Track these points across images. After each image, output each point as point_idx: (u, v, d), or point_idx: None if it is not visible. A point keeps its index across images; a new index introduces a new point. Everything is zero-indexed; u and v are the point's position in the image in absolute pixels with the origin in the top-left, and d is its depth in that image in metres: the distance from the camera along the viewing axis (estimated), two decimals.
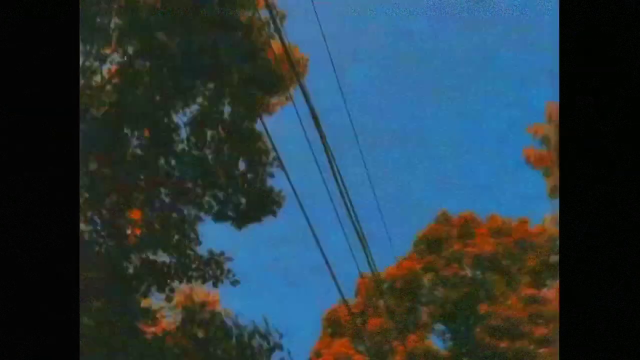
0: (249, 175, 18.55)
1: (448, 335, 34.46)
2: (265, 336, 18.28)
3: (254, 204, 18.76)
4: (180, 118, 17.78)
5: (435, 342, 34.60)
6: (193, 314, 18.09)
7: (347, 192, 16.45)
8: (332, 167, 15.75)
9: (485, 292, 33.49)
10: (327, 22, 15.99)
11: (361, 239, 18.52)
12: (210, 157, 18.20)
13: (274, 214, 19.13)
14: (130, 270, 17.33)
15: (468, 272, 34.46)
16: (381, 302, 33.77)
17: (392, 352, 33.26)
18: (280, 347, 18.41)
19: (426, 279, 34.55)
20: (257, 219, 19.21)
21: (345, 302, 28.48)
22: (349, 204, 16.95)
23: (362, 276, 31.72)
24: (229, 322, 18.57)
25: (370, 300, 34.40)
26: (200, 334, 18.00)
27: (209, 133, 18.13)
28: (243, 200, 18.76)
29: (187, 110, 17.93)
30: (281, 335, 18.45)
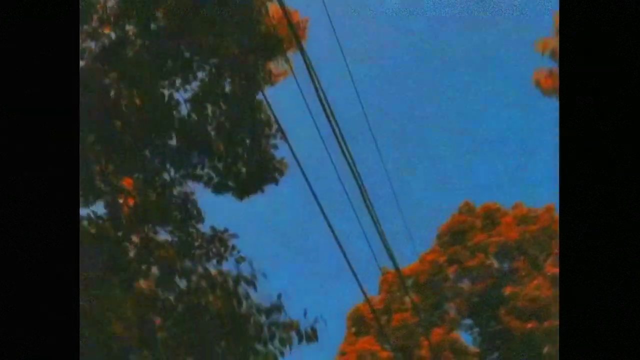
0: (249, 143, 18.31)
1: (476, 330, 34.32)
2: (251, 282, 17.85)
3: (255, 172, 18.48)
4: (181, 94, 17.69)
5: (462, 335, 34.46)
6: (173, 262, 17.66)
7: (356, 169, 16.50)
8: (338, 141, 15.76)
9: (512, 280, 33.31)
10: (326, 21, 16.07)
11: (379, 230, 18.59)
12: (212, 133, 18.08)
13: (275, 181, 18.85)
14: (131, 253, 17.12)
15: (494, 262, 34.30)
16: (403, 296, 33.66)
17: (417, 346, 33.19)
18: (280, 309, 18.04)
19: (450, 271, 34.41)
20: (258, 188, 18.90)
21: (367, 298, 28.39)
22: (362, 188, 17.04)
23: (383, 272, 31.77)
24: (211, 269, 18.12)
25: (394, 295, 34.34)
26: (182, 285, 17.61)
27: (210, 108, 18.01)
28: (243, 170, 18.50)
29: (188, 87, 17.84)
30: (279, 295, 18.07)
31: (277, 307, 17.81)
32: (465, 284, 34.25)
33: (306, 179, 15.73)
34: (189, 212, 18.12)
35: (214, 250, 18.16)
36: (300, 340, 17.82)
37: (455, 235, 34.73)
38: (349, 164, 16.32)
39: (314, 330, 17.70)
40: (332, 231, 16.72)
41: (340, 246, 17.09)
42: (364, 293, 23.79)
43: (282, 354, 17.90)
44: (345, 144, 15.97)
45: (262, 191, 18.98)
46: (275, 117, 17.67)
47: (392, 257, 21.61)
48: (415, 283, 33.94)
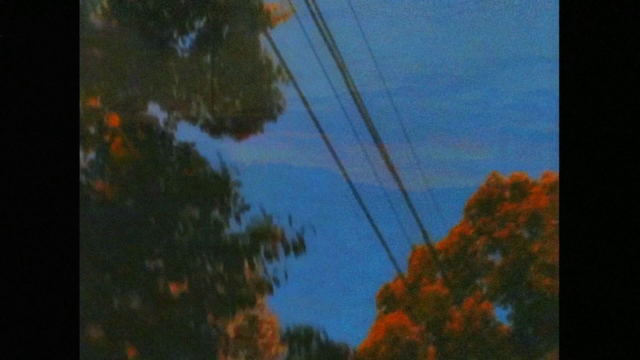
0: (247, 83, 17.72)
1: (510, 304, 34.03)
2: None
3: (253, 109, 17.80)
4: (178, 45, 17.33)
5: (496, 310, 34.17)
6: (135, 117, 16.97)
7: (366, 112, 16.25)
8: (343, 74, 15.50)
9: (542, 239, 32.93)
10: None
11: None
12: (212, 79, 17.67)
13: (274, 118, 18.19)
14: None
15: (524, 232, 33.94)
16: (433, 272, 33.46)
17: (449, 319, 33.06)
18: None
19: (479, 243, 34.10)
20: (258, 128, 18.19)
21: (401, 274, 28.30)
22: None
23: (414, 249, 31.67)
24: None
25: (424, 270, 34.14)
26: (142, 136, 16.89)
27: (209, 55, 17.59)
28: (240, 108, 17.88)
29: (186, 38, 17.45)
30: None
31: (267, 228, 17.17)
32: (497, 256, 33.98)
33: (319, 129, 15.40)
34: (189, 162, 17.38)
35: (216, 198, 17.28)
36: (287, 252, 17.08)
37: (483, 207, 34.43)
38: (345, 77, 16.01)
39: (300, 239, 17.01)
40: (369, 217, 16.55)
41: (370, 218, 16.94)
42: (398, 269, 23.67)
43: (276, 282, 17.21)
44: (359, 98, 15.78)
45: (262, 132, 18.29)
46: (280, 56, 17.19)
47: (422, 230, 21.56)
48: (445, 258, 33.74)
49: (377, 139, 17.15)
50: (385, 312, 34.11)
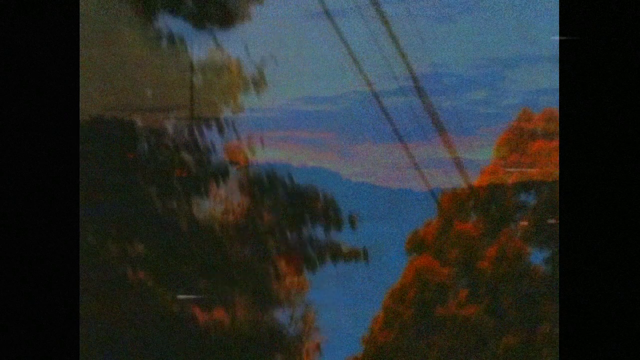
0: None
1: (546, 246, 33.72)
2: None
3: None
4: None
5: (529, 249, 33.87)
6: None
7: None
8: None
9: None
10: None
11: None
12: None
13: (261, 1, 17.05)
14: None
15: (557, 170, 33.54)
16: (465, 215, 33.23)
17: (481, 257, 32.88)
18: None
19: (511, 182, 33.73)
20: (245, 14, 17.16)
21: (440, 207, 28.12)
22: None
23: (443, 193, 31.54)
24: None
25: (454, 214, 33.87)
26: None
27: None
28: None
29: None
30: None
31: None
32: (531, 196, 33.69)
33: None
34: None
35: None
36: (246, 89, 15.71)
37: (514, 144, 34.09)
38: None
39: (261, 74, 15.45)
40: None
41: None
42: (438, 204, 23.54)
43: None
44: None
45: (250, 20, 16.77)
46: None
47: (459, 166, 21.22)
48: (476, 199, 33.54)
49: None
50: (415, 258, 34.06)
